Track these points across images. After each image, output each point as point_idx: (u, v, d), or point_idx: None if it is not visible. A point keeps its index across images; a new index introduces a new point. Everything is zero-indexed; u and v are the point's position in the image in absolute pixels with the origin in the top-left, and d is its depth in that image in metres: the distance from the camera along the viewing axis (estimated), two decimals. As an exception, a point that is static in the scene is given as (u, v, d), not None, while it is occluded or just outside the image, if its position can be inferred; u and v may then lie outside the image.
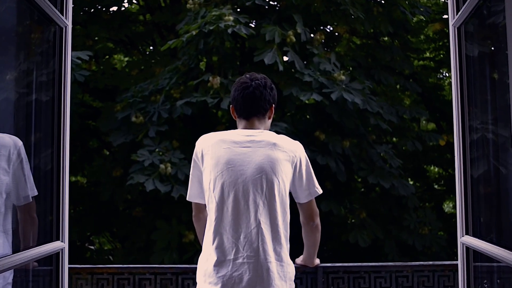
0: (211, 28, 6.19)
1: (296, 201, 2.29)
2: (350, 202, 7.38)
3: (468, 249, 2.23)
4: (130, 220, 7.59)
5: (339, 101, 6.32)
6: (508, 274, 2.15)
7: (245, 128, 2.24)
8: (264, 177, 2.10)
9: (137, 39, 9.21)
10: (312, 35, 7.18)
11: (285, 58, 6.69)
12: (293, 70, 6.65)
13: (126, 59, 9.74)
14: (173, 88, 6.64)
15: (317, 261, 2.72)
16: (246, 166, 2.11)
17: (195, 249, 6.18)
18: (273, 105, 2.29)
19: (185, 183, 5.60)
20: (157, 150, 6.24)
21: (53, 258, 2.19)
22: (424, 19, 8.85)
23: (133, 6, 9.46)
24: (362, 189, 8.57)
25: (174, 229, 6.37)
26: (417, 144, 7.34)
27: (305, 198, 2.26)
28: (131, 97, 6.74)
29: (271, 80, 2.34)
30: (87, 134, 8.90)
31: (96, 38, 8.38)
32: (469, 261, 2.24)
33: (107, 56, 9.10)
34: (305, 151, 2.27)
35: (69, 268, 2.28)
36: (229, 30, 6.18)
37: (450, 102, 2.46)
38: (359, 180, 8.16)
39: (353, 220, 7.20)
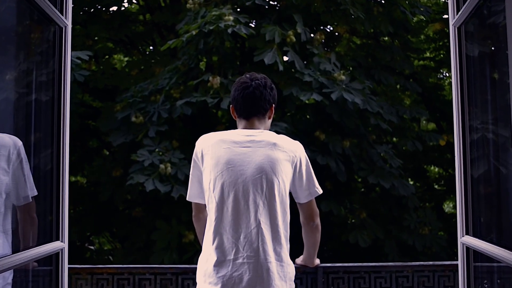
0: (211, 28, 6.19)
1: (296, 201, 2.28)
2: (350, 202, 7.38)
3: (468, 249, 2.22)
4: (130, 220, 7.58)
5: (339, 101, 6.32)
6: (508, 274, 2.14)
7: (245, 128, 2.23)
8: (264, 177, 2.10)
9: (137, 39, 9.21)
10: (312, 35, 7.18)
11: (285, 58, 6.69)
12: (293, 70, 6.65)
13: (126, 59, 9.74)
14: (173, 88, 6.64)
15: (317, 261, 2.72)
16: (246, 166, 2.11)
17: (195, 249, 6.18)
18: (273, 105, 2.29)
19: (185, 183, 5.60)
20: (157, 150, 6.24)
21: (53, 258, 2.18)
22: (424, 19, 8.85)
23: (133, 6, 9.46)
24: (362, 189, 8.57)
25: (174, 229, 6.37)
26: (417, 144, 7.34)
27: (305, 198, 2.25)
28: (131, 97, 6.74)
29: (271, 80, 2.34)
30: (87, 134, 8.90)
31: (96, 38, 8.39)
32: (469, 261, 2.23)
33: (107, 56, 9.10)
34: (305, 151, 2.26)
35: (69, 268, 2.28)
36: (229, 30, 6.18)
37: (450, 102, 2.46)
38: (359, 180, 8.16)
39: (353, 220, 7.20)
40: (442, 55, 9.42)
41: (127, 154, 6.60)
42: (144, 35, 9.23)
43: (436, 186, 10.43)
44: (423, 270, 3.15)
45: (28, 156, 2.15)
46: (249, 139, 2.16)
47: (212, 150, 2.15)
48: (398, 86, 8.26)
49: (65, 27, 2.25)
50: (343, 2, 7.05)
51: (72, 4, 2.35)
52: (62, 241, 2.19)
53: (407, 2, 7.67)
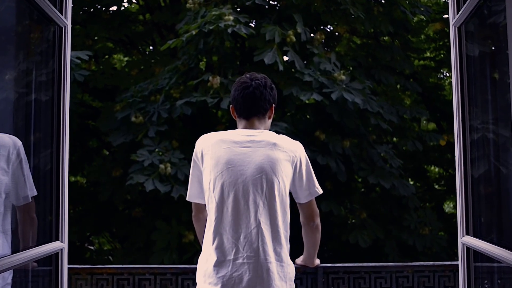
0: (211, 27, 6.19)
1: (296, 201, 2.28)
2: (350, 202, 7.37)
3: (468, 249, 2.22)
4: (129, 220, 7.57)
5: (339, 101, 6.32)
6: (508, 275, 2.14)
7: (245, 128, 2.23)
8: (264, 177, 2.10)
9: (136, 38, 9.21)
10: (312, 35, 7.18)
11: (285, 58, 6.69)
12: (293, 70, 6.64)
13: (126, 59, 9.73)
14: (172, 88, 6.63)
15: (317, 261, 2.72)
16: (246, 166, 2.11)
17: (195, 250, 6.18)
18: (273, 105, 2.29)
19: (185, 183, 5.59)
20: (156, 150, 6.23)
21: (53, 258, 2.18)
22: (424, 18, 8.85)
23: (132, 6, 9.46)
24: (363, 189, 8.56)
25: (174, 229, 6.37)
26: (417, 144, 7.34)
27: (305, 198, 2.25)
28: (131, 97, 6.73)
29: (271, 80, 2.33)
30: (86, 134, 8.89)
31: (96, 38, 8.38)
32: (469, 262, 2.23)
33: (106, 56, 9.10)
34: (305, 151, 2.26)
35: (68, 268, 2.28)
36: (229, 30, 6.18)
37: (450, 102, 2.46)
38: (360, 180, 8.15)
39: (353, 220, 7.19)
40: (442, 55, 9.42)
41: (127, 154, 6.60)
42: (144, 35, 9.22)
43: (436, 186, 10.43)
44: (424, 270, 3.14)
45: (27, 156, 2.15)
46: (249, 139, 2.16)
47: (212, 150, 2.15)
48: (398, 86, 8.26)
49: (65, 27, 2.25)
50: (343, 2, 7.05)
51: (72, 4, 2.34)
52: (61, 241, 2.19)
53: (407, 2, 7.67)
